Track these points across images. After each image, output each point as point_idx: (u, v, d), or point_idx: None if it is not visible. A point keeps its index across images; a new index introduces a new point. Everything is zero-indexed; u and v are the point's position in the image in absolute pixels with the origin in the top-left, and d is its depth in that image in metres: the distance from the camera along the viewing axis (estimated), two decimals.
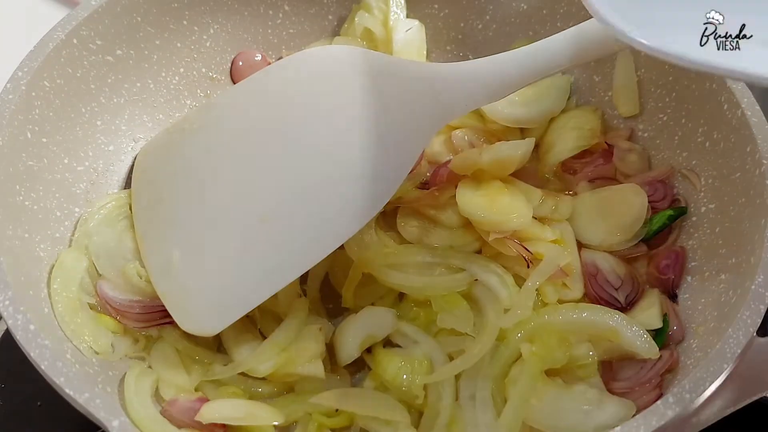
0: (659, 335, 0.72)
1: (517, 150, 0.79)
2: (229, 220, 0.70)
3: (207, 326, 0.68)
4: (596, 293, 0.76)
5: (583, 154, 0.88)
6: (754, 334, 0.61)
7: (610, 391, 0.69)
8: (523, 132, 0.91)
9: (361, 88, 0.69)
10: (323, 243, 0.66)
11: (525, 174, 0.84)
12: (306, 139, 0.69)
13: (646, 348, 0.69)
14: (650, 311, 0.74)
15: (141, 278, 0.73)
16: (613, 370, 0.73)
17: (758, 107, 0.72)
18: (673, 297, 0.77)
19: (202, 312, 0.69)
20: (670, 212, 0.80)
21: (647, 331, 0.71)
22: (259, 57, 0.93)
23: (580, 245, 0.79)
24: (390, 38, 0.91)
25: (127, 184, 0.82)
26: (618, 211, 0.80)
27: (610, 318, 0.70)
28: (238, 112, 0.76)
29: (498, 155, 0.79)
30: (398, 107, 0.69)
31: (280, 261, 0.66)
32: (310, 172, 0.67)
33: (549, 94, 0.89)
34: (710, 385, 0.58)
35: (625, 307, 0.76)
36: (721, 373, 0.58)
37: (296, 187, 0.67)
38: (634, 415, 0.62)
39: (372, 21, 0.92)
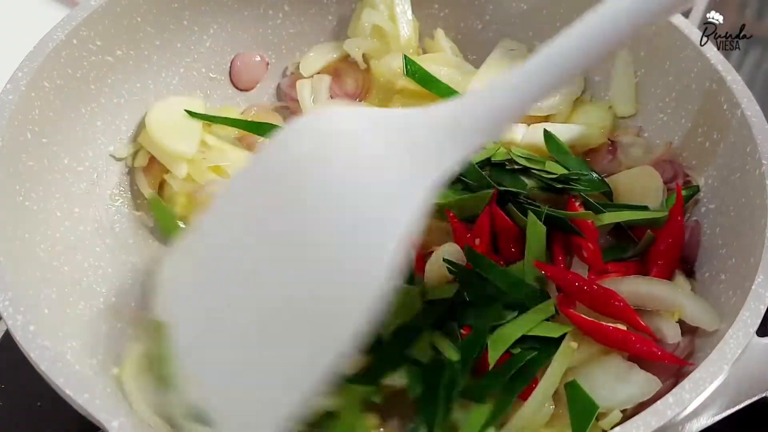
0: None
1: None
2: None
3: None
4: None
5: (589, 152, 0.87)
6: (754, 334, 0.61)
7: None
8: (548, 119, 0.88)
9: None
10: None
11: None
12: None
13: (713, 320, 0.67)
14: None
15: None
16: None
17: (758, 107, 0.72)
18: (690, 273, 0.76)
19: None
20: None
21: None
22: (258, 59, 0.93)
23: None
24: (398, 32, 0.90)
25: (126, 185, 0.82)
26: (634, 196, 0.79)
27: (674, 293, 0.69)
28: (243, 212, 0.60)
29: None
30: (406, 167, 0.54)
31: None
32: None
33: None
34: (710, 385, 0.57)
35: None
36: (721, 373, 0.58)
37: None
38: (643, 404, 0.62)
39: (379, 17, 0.91)
